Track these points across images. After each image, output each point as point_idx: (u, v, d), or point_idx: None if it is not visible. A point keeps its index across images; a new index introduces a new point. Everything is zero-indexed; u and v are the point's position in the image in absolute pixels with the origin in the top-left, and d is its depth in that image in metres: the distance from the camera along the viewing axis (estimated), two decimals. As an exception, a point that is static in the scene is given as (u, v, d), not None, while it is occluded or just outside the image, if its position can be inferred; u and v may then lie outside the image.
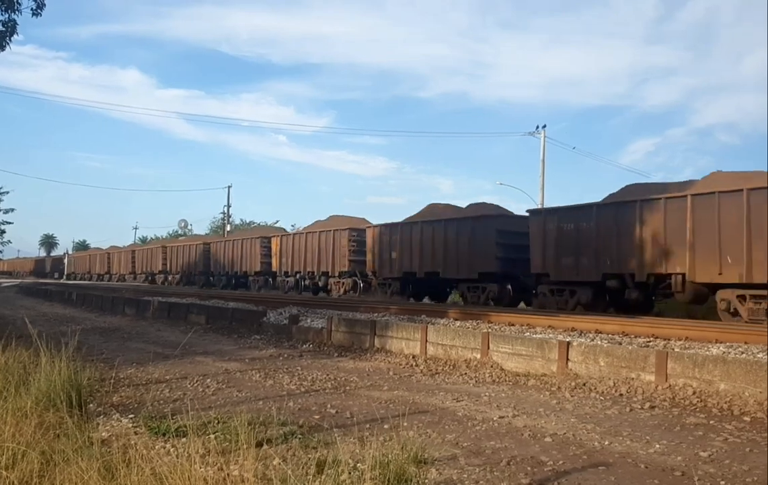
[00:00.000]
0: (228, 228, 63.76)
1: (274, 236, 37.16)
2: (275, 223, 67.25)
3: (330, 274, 31.01)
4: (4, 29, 12.84)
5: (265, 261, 36.76)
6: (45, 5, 12.93)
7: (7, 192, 31.91)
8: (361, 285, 29.28)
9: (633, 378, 8.20)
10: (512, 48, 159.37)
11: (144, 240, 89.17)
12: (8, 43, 13.04)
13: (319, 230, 32.17)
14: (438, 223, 23.98)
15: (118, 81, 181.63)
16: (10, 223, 32.80)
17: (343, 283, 30.18)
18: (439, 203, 27.04)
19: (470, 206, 25.35)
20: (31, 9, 12.81)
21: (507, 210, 24.22)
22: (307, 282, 33.10)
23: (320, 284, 32.06)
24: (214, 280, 43.45)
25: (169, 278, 50.22)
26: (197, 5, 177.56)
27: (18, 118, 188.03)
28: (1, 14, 12.72)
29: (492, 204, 24.95)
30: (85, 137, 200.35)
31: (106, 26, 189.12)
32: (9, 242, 33.55)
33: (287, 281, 34.30)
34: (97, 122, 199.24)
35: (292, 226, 46.23)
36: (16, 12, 12.76)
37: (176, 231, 76.97)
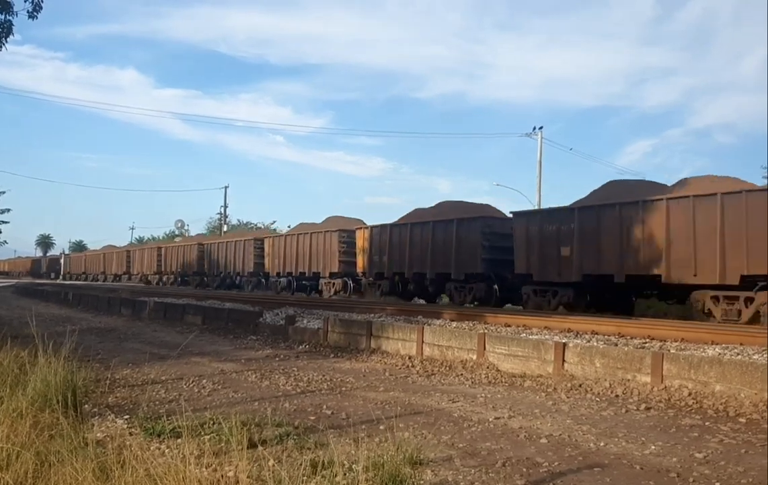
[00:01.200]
0: (225, 228, 63.74)
1: (266, 237, 37.79)
2: (272, 224, 67.44)
3: (321, 275, 31.37)
4: (0, 30, 12.83)
5: (258, 262, 37.16)
6: (41, 8, 12.92)
7: (3, 192, 31.74)
8: (352, 286, 29.57)
9: (629, 380, 8.21)
10: (509, 49, 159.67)
11: (141, 240, 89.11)
12: (4, 45, 13.04)
13: (311, 231, 32.65)
14: (425, 224, 24.35)
15: (115, 81, 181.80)
16: (6, 222, 32.68)
17: (334, 284, 30.53)
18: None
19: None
20: (27, 11, 12.80)
21: (496, 210, 24.39)
22: (298, 283, 33.53)
23: (311, 284, 32.47)
24: (208, 280, 43.67)
25: (164, 278, 50.37)
26: (195, 5, 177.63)
27: (15, 118, 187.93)
28: None
29: (480, 204, 25.16)
30: (82, 137, 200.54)
31: (103, 26, 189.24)
32: (5, 242, 33.43)
33: (280, 282, 34.70)
34: (94, 121, 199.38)
35: (289, 226, 46.12)
36: (12, 14, 12.75)
37: (173, 231, 76.90)
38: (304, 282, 33.31)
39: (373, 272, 27.06)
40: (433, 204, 26.55)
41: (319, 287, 31.78)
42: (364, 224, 29.51)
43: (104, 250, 68.56)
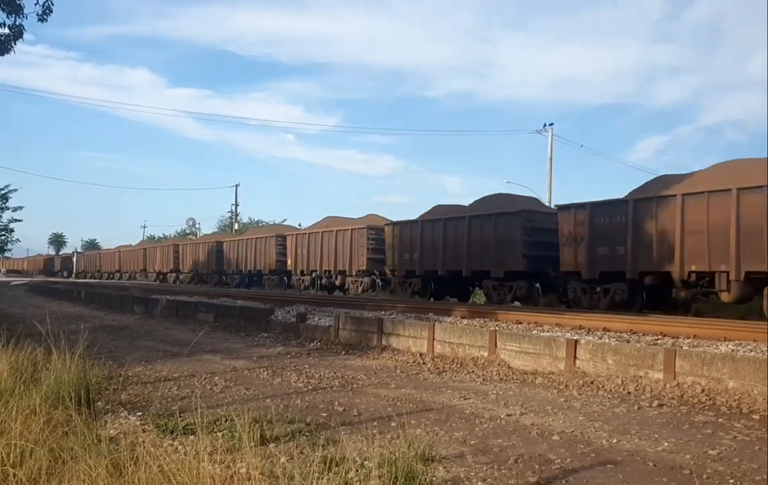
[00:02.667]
0: (236, 227, 63.93)
1: (289, 234, 36.51)
2: (283, 221, 67.46)
3: (348, 273, 30.38)
4: (10, 33, 12.91)
5: (280, 260, 36.28)
6: (51, 11, 12.99)
7: (15, 190, 31.95)
8: (380, 284, 28.69)
9: (641, 376, 8.17)
10: (518, 47, 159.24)
11: (152, 239, 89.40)
12: (13, 47, 13.13)
13: (336, 228, 31.56)
14: (461, 219, 23.36)
15: (127, 80, 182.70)
16: (19, 221, 32.87)
17: (362, 282, 29.60)
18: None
19: (486, 198, 24.68)
20: (37, 14, 12.87)
21: (539, 203, 23.38)
22: (323, 281, 32.46)
23: (337, 283, 31.40)
24: (227, 279, 43.07)
25: (181, 276, 50.07)
26: (206, 5, 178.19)
27: (28, 117, 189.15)
28: (7, 19, 12.80)
29: (520, 196, 24.04)
30: (95, 136, 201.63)
31: (116, 27, 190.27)
32: (18, 240, 33.62)
33: (303, 280, 33.78)
34: (106, 121, 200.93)
35: (299, 225, 46.10)
36: (22, 17, 12.84)
37: (184, 230, 77.23)
38: (329, 280, 32.20)
39: (404, 270, 26.04)
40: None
41: (346, 286, 30.74)
42: (389, 221, 28.58)
43: (119, 248, 68.75)
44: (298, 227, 42.37)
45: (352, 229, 30.22)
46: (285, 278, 36.43)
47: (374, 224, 29.73)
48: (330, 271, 31.66)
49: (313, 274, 33.02)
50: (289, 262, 35.13)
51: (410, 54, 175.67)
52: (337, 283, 31.45)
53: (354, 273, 30.04)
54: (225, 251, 43.35)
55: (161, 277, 53.37)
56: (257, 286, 38.55)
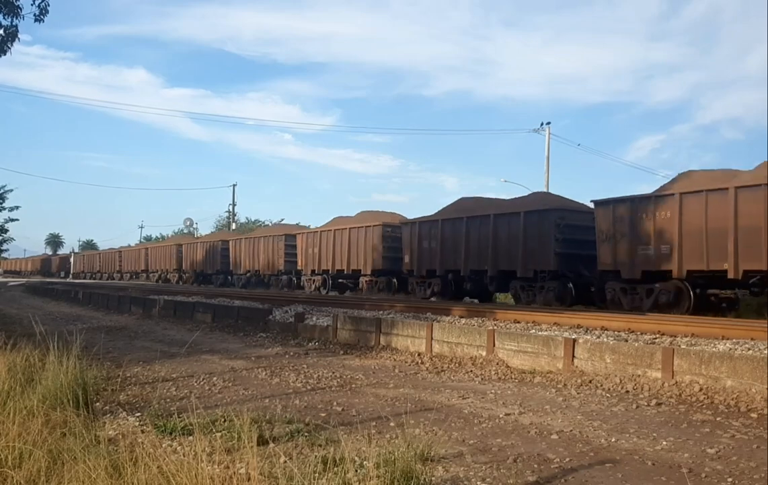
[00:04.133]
0: (233, 226, 63.90)
1: (299, 233, 35.59)
2: (280, 221, 67.42)
3: (362, 272, 29.39)
4: (5, 34, 12.88)
5: (289, 260, 35.52)
6: (48, 11, 12.95)
7: (11, 190, 31.87)
8: (396, 284, 27.90)
9: (639, 375, 8.18)
10: (515, 46, 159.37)
11: (149, 239, 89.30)
12: (9, 48, 13.09)
13: (350, 226, 30.51)
14: (485, 217, 22.48)
15: (124, 81, 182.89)
16: (15, 220, 32.73)
17: (377, 282, 28.73)
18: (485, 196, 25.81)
19: (527, 196, 24.01)
20: (34, 15, 12.84)
21: (571, 201, 22.36)
22: (335, 281, 31.69)
23: (350, 283, 30.65)
24: (233, 279, 42.27)
25: (184, 276, 49.39)
26: (203, 5, 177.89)
27: (25, 118, 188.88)
28: (3, 19, 12.77)
29: (553, 194, 23.24)
30: (92, 136, 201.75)
31: (113, 27, 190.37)
32: (12, 239, 33.45)
33: (314, 280, 32.91)
34: (103, 121, 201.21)
35: (296, 224, 45.84)
36: (18, 17, 12.80)
37: (182, 230, 77.15)
38: (341, 280, 31.39)
39: (423, 270, 25.19)
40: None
41: (360, 286, 29.78)
42: (404, 218, 27.88)
43: (120, 248, 68.47)
44: (298, 226, 41.76)
45: (366, 227, 29.21)
46: (294, 278, 35.56)
47: (389, 221, 28.81)
48: (343, 271, 30.77)
49: (325, 274, 32.16)
50: (299, 262, 34.27)
51: (408, 53, 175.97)
52: (351, 283, 30.57)
53: (369, 273, 29.03)
54: (231, 250, 42.44)
55: (164, 277, 52.71)
56: (263, 287, 37.64)
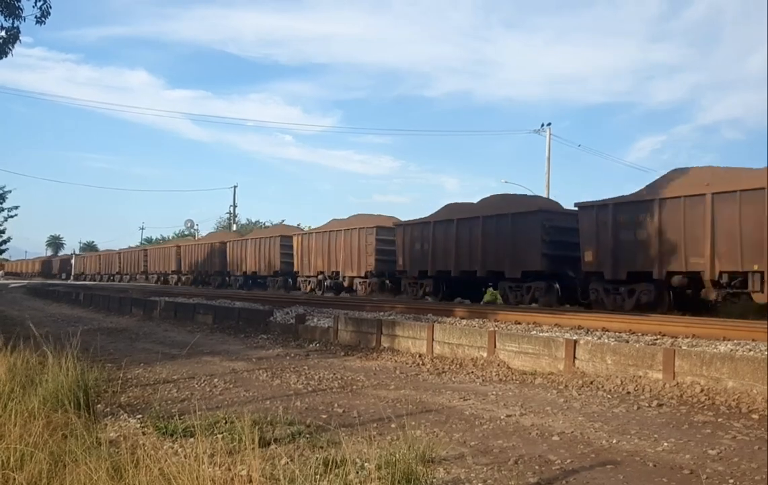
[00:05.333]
0: (234, 227, 63.88)
1: (295, 235, 35.66)
2: (281, 222, 67.39)
3: (357, 274, 29.67)
4: (7, 36, 12.90)
5: (285, 261, 35.62)
6: (49, 13, 12.96)
7: (10, 191, 31.90)
8: (389, 285, 28.08)
9: (640, 376, 8.18)
10: (516, 46, 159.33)
11: (150, 241, 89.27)
12: (11, 50, 13.11)
13: (344, 228, 30.82)
14: (475, 219, 22.82)
15: (125, 82, 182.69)
16: (13, 216, 32.66)
17: (370, 283, 28.96)
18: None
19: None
20: (35, 16, 12.85)
21: (555, 202, 22.89)
22: (329, 282, 31.81)
23: (345, 284, 30.70)
24: (230, 280, 42.22)
25: (183, 278, 49.37)
26: (204, 6, 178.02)
27: (26, 120, 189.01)
28: (5, 21, 12.78)
29: (537, 196, 23.82)
30: (93, 137, 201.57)
31: (114, 28, 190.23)
32: (9, 238, 33.36)
33: (309, 281, 33.07)
34: (104, 123, 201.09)
35: (297, 225, 45.73)
36: (20, 19, 12.82)
37: (183, 231, 77.12)
38: (336, 281, 31.42)
39: (415, 271, 25.41)
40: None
41: (354, 287, 30.01)
42: (398, 220, 28.01)
43: (119, 250, 68.46)
44: (299, 228, 41.51)
45: (360, 229, 29.52)
46: (290, 279, 35.62)
47: (383, 224, 28.99)
48: (338, 272, 30.99)
49: (320, 275, 32.29)
50: (295, 263, 34.41)
51: (408, 54, 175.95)
52: (345, 284, 30.69)
53: (363, 275, 29.33)
54: (229, 252, 42.38)
55: (163, 279, 52.71)
56: (260, 288, 37.66)
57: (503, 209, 22.34)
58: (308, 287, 33.06)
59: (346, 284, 30.78)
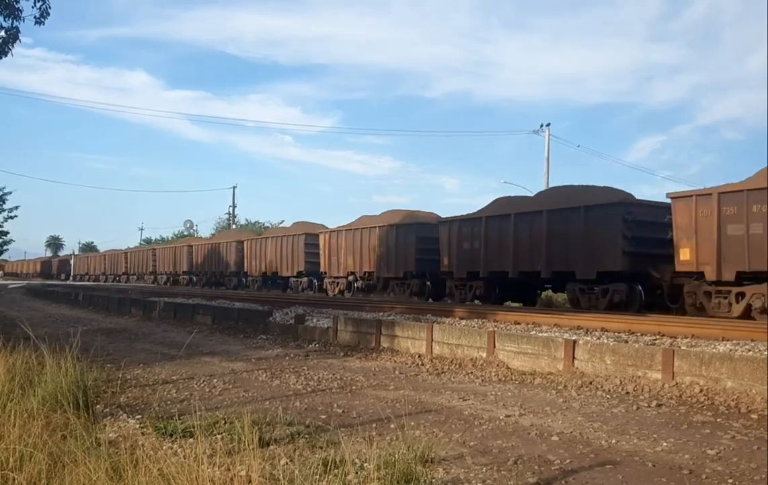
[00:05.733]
0: (233, 228, 63.86)
1: (322, 232, 32.95)
2: (280, 223, 67.29)
3: (394, 275, 27.16)
4: (6, 36, 12.91)
5: (310, 260, 33.16)
6: (49, 14, 12.98)
7: (10, 192, 31.97)
8: (430, 287, 25.90)
9: (639, 376, 8.18)
10: (516, 47, 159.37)
11: (149, 241, 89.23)
12: (10, 50, 13.12)
13: (378, 224, 28.29)
14: (537, 214, 20.54)
15: (125, 83, 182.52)
16: (13, 217, 32.71)
17: (410, 284, 26.61)
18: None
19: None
20: (35, 17, 12.87)
21: (631, 195, 19.96)
22: (360, 283, 29.52)
23: (379, 286, 28.54)
24: (247, 281, 40.27)
25: (195, 278, 47.91)
26: (204, 7, 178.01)
27: (26, 120, 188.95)
28: (4, 21, 12.80)
29: (617, 189, 20.72)
30: (93, 138, 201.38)
31: (114, 29, 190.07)
32: (12, 240, 33.44)
33: (338, 282, 30.93)
34: (104, 123, 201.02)
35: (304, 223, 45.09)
36: (19, 19, 12.84)
37: (182, 232, 77.09)
38: (368, 283, 29.11)
39: (464, 272, 23.03)
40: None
41: (389, 289, 27.77)
42: (438, 216, 26.10)
43: (127, 249, 67.90)
44: (323, 226, 39.82)
45: (396, 226, 27.01)
46: (315, 280, 33.59)
47: (423, 220, 26.83)
48: (371, 273, 28.66)
49: (350, 276, 30.03)
50: (322, 263, 32.10)
51: (409, 54, 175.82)
52: (380, 286, 28.50)
53: (401, 275, 26.83)
54: (246, 251, 40.17)
55: (172, 279, 51.07)
56: (282, 289, 35.61)
57: (573, 201, 19.90)
58: (336, 289, 30.92)
59: (380, 285, 28.50)
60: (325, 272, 31.91)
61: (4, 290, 43.68)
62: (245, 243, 40.96)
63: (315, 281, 33.62)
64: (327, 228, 33.93)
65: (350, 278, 30.06)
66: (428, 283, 25.87)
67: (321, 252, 32.24)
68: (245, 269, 40.33)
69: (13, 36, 12.95)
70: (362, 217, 31.46)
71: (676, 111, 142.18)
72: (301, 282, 34.60)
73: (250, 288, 38.83)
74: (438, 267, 24.55)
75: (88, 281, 67.76)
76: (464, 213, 24.13)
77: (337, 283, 30.99)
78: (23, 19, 12.90)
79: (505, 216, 21.72)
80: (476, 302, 22.49)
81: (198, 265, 47.65)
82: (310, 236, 33.99)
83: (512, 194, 25.37)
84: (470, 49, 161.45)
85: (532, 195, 24.26)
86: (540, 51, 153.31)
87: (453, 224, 23.86)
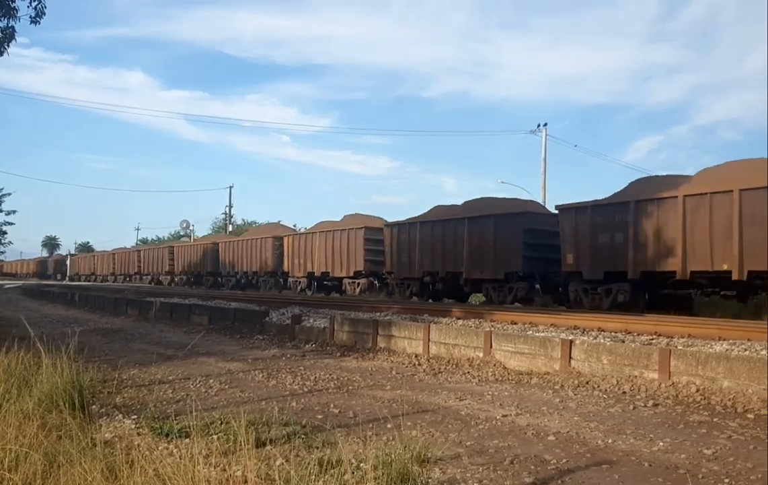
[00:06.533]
0: (230, 228, 63.83)
1: (286, 235, 36.09)
2: (277, 222, 67.25)
3: (346, 274, 30.11)
4: (2, 36, 12.88)
5: (277, 261, 35.96)
6: (44, 13, 12.97)
7: (9, 194, 31.99)
8: (377, 286, 28.50)
9: (636, 376, 8.19)
10: (514, 47, 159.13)
11: (145, 241, 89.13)
12: (6, 49, 13.10)
13: (334, 229, 31.22)
14: (460, 221, 23.15)
15: (123, 83, 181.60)
16: (11, 224, 32.83)
17: (359, 283, 29.39)
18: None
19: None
20: (30, 16, 12.85)
21: (538, 204, 23.59)
22: (320, 283, 32.33)
23: (334, 284, 31.26)
24: (222, 281, 42.43)
25: (176, 279, 49.54)
26: (202, 7, 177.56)
27: (23, 120, 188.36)
28: (0, 21, 12.76)
29: (522, 199, 24.11)
30: (89, 138, 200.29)
31: (111, 29, 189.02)
32: (10, 242, 33.55)
33: (300, 282, 33.53)
34: (101, 123, 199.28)
35: (294, 226, 45.72)
36: (15, 19, 12.81)
37: (178, 232, 77.01)
38: (326, 282, 32.14)
39: (402, 272, 25.71)
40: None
41: (343, 287, 30.66)
42: (386, 222, 28.32)
43: (114, 251, 68.50)
44: (293, 228, 41.75)
45: (349, 230, 29.81)
46: (281, 279, 36.06)
47: (372, 224, 29.35)
48: (328, 272, 31.37)
49: (310, 276, 32.72)
50: (285, 263, 34.79)
51: (407, 55, 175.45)
52: (334, 284, 31.19)
53: (352, 275, 29.74)
54: (221, 252, 42.55)
55: (156, 279, 52.86)
56: (253, 288, 37.93)
57: (487, 211, 22.66)
58: (299, 287, 33.41)
59: (335, 284, 31.21)
60: (289, 272, 34.76)
61: (0, 291, 43.58)
62: (220, 245, 43.75)
63: (281, 280, 36.42)
64: (294, 231, 37.96)
65: (310, 277, 32.89)
66: (375, 282, 28.70)
67: (285, 254, 35.13)
68: (220, 270, 42.88)
69: (8, 35, 12.93)
70: (323, 222, 34.24)
71: (674, 111, 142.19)
72: (268, 282, 37.37)
73: (225, 287, 40.91)
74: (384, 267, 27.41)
75: (80, 281, 67.75)
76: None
77: (299, 282, 33.78)
78: (19, 19, 12.89)
79: (435, 222, 24.45)
80: (414, 298, 25.14)
81: (178, 266, 49.38)
82: (277, 239, 36.68)
83: (496, 196, 26.45)
84: (469, 49, 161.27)
85: (460, 204, 25.73)
86: (539, 51, 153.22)
87: (394, 229, 26.51)
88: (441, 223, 24.05)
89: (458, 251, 22.97)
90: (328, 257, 31.18)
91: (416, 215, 26.33)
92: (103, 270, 67.14)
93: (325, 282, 32.41)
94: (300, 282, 33.67)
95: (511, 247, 21.12)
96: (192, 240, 58.39)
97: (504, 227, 21.51)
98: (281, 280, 36.30)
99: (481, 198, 24.84)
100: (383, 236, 27.54)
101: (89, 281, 66.06)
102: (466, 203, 24.93)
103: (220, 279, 43.37)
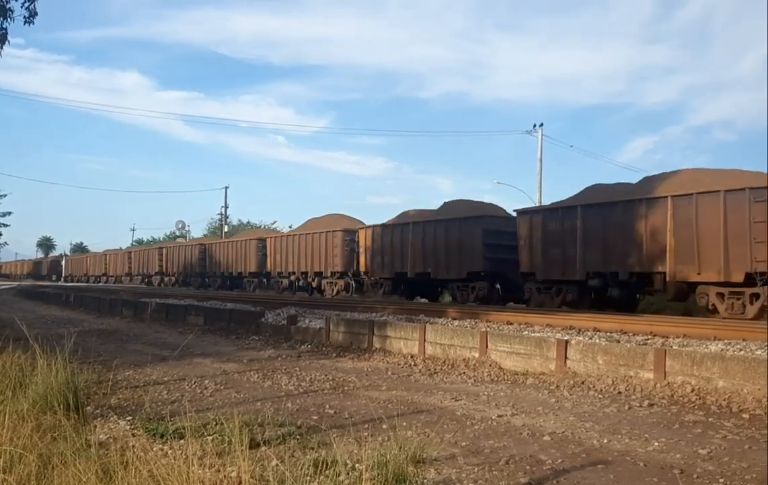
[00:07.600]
0: (225, 229, 63.76)
1: (269, 237, 37.65)
2: (273, 224, 67.30)
3: (323, 274, 31.24)
4: None
5: (260, 262, 36.99)
6: (37, 14, 12.92)
7: (5, 195, 31.98)
8: (354, 285, 29.50)
9: (631, 376, 8.20)
10: (510, 48, 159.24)
11: (140, 242, 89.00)
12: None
13: (312, 231, 32.46)
14: (428, 223, 24.35)
15: (118, 84, 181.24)
16: (6, 225, 32.85)
17: (336, 283, 30.47)
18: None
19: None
20: (24, 17, 12.80)
21: (499, 208, 24.67)
22: (301, 283, 33.41)
23: (314, 284, 32.30)
24: (209, 281, 43.56)
25: (165, 279, 50.33)
26: (198, 8, 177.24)
27: (17, 121, 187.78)
28: None
29: (485, 203, 25.14)
30: (84, 139, 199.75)
31: (107, 30, 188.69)
32: (5, 243, 33.58)
33: (282, 282, 34.63)
34: (96, 124, 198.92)
35: (290, 226, 46.08)
36: (8, 20, 12.77)
37: (174, 232, 76.92)
38: (306, 282, 33.24)
39: (376, 272, 26.99)
40: (434, 203, 26.55)
41: (322, 287, 31.81)
42: (363, 224, 29.58)
43: (106, 252, 68.75)
44: (276, 229, 43.00)
45: (327, 232, 30.97)
46: (264, 279, 37.13)
47: (350, 226, 30.50)
48: (307, 272, 32.45)
49: (291, 276, 33.80)
50: (268, 264, 35.97)
51: (403, 55, 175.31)
52: (314, 284, 32.22)
53: (329, 275, 30.83)
54: (208, 253, 43.97)
55: (147, 280, 53.81)
56: (239, 288, 39.13)
57: (452, 214, 23.85)
58: (281, 287, 34.55)
59: (314, 284, 32.22)
60: (271, 272, 36.01)
61: (-5, 292, 43.46)
62: (207, 246, 45.08)
63: (264, 279, 37.34)
64: (275, 233, 39.83)
65: (291, 277, 34.13)
66: (352, 282, 29.69)
67: (268, 255, 36.31)
68: (208, 270, 43.89)
69: (2, 36, 12.88)
70: (304, 223, 35.78)
71: (669, 112, 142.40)
72: (252, 282, 38.52)
73: (211, 287, 41.80)
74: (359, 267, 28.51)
75: (74, 282, 67.72)
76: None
77: (281, 282, 35.00)
78: (13, 19, 12.84)
79: (405, 225, 25.73)
80: (385, 297, 26.08)
81: (167, 267, 50.24)
82: (261, 241, 37.64)
83: (465, 199, 27.22)
84: (465, 50, 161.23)
85: (436, 208, 26.92)
86: (534, 52, 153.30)
87: (368, 231, 27.71)
88: (410, 226, 25.22)
89: (427, 252, 24.05)
90: (308, 258, 32.15)
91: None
92: (95, 271, 67.75)
93: (306, 282, 33.32)
94: (281, 282, 34.66)
95: (473, 248, 22.15)
96: (186, 241, 59.23)
97: (466, 230, 22.58)
98: (264, 280, 37.19)
99: (453, 201, 26.09)
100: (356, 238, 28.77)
101: (82, 282, 66.10)
102: (440, 207, 26.17)
103: (206, 280, 44.33)
